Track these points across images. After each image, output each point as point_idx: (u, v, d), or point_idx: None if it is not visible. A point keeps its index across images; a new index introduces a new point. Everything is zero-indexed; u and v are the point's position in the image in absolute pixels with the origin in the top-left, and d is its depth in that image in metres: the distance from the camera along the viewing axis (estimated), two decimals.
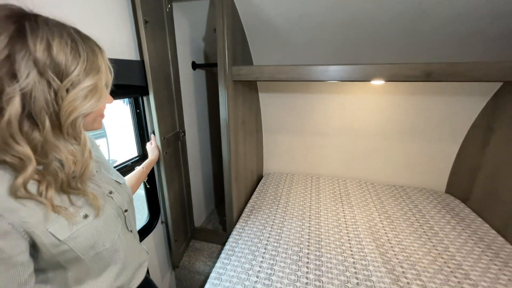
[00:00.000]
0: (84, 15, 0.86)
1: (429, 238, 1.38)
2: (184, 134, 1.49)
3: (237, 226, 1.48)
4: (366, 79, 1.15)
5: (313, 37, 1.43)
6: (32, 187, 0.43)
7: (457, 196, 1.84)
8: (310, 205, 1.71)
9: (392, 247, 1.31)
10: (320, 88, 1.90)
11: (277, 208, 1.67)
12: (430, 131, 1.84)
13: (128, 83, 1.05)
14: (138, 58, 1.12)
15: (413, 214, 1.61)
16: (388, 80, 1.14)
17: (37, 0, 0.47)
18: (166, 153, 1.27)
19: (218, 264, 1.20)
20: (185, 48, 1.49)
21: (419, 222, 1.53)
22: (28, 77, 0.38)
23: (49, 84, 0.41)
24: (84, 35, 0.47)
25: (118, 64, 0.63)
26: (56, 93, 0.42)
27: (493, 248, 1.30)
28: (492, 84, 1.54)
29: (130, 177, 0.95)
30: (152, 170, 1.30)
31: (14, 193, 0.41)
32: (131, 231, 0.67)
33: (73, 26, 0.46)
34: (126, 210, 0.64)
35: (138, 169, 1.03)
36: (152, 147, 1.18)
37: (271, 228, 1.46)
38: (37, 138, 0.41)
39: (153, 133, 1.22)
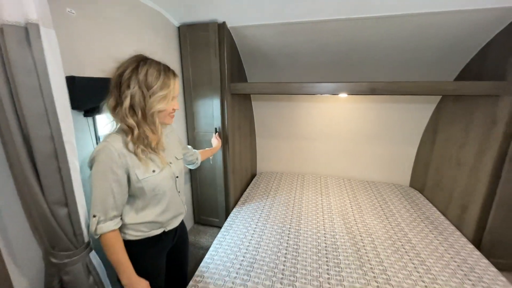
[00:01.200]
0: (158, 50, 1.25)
1: (386, 218, 1.74)
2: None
3: (234, 210, 1.82)
4: (333, 93, 1.54)
5: (293, 61, 1.84)
6: (132, 147, 0.81)
7: (417, 188, 2.21)
8: (295, 197, 2.06)
9: (356, 223, 1.67)
10: (302, 98, 2.30)
11: (267, 198, 2.01)
12: (393, 135, 2.23)
13: None
14: None
15: (378, 202, 1.97)
16: (348, 94, 1.54)
17: (127, 46, 0.84)
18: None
19: (218, 235, 1.53)
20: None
21: (381, 207, 1.89)
22: (134, 88, 0.77)
23: (142, 92, 0.79)
24: (167, 67, 0.84)
25: None
26: (145, 97, 0.79)
27: (435, 224, 1.66)
28: (435, 96, 1.96)
29: (200, 152, 1.41)
30: None
31: (125, 146, 0.79)
32: (179, 192, 1.01)
33: (164, 63, 0.85)
34: (177, 177, 0.98)
35: (204, 150, 1.50)
36: (215, 139, 1.64)
37: (262, 211, 1.80)
38: (136, 119, 0.80)
39: (216, 129, 1.68)
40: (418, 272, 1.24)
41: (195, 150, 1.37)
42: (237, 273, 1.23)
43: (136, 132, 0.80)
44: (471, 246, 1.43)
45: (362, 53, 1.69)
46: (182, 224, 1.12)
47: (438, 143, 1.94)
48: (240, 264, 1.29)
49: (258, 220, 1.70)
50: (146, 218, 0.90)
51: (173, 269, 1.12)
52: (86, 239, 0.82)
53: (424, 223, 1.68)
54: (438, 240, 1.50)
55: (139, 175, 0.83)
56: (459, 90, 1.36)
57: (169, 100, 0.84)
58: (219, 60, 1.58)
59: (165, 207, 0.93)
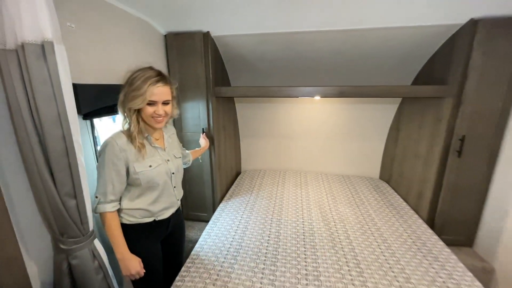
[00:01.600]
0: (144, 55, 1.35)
1: (357, 206, 1.96)
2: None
3: (221, 204, 1.96)
4: (309, 96, 1.73)
5: (272, 66, 2.01)
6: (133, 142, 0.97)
7: (385, 179, 2.48)
8: (277, 191, 2.24)
9: (331, 212, 1.87)
10: (282, 100, 2.48)
11: (251, 193, 2.17)
12: (363, 133, 2.47)
13: None
14: None
15: (351, 193, 2.20)
16: (321, 96, 1.73)
17: (118, 54, 0.96)
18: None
19: (207, 227, 1.66)
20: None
21: (353, 197, 2.11)
22: (124, 87, 0.96)
23: (126, 91, 0.94)
24: (152, 75, 0.95)
25: None
26: (127, 95, 0.94)
27: (397, 209, 1.90)
28: (397, 98, 2.22)
29: (190, 152, 1.52)
30: None
31: (128, 142, 0.96)
32: (174, 187, 1.14)
33: (158, 73, 0.98)
34: (173, 173, 1.12)
35: (194, 150, 1.62)
36: (203, 139, 1.76)
37: (246, 205, 1.96)
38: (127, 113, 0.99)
39: (203, 130, 1.81)
40: (380, 248, 1.45)
41: (188, 151, 1.51)
42: (224, 258, 1.38)
43: (125, 130, 0.99)
44: (425, 225, 1.68)
45: (333, 61, 1.90)
46: (178, 216, 1.26)
47: (400, 139, 2.21)
48: (228, 250, 1.43)
49: (243, 212, 1.85)
50: (138, 206, 1.03)
51: (170, 257, 1.24)
52: (91, 227, 0.92)
53: (388, 209, 1.91)
54: (399, 222, 1.73)
55: (136, 168, 0.98)
56: (411, 93, 1.60)
57: (140, 100, 0.94)
58: (204, 66, 1.72)
59: (156, 198, 1.07)
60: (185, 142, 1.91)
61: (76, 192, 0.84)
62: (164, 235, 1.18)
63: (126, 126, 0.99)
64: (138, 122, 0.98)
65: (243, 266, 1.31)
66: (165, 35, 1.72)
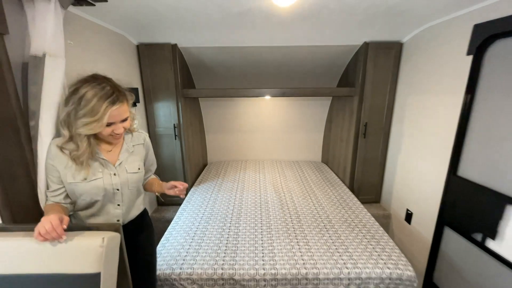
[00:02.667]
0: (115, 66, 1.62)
1: (302, 182, 2.51)
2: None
3: (191, 189, 2.32)
4: (259, 95, 2.21)
5: (230, 71, 2.45)
6: (67, 152, 0.89)
7: (325, 162, 3.11)
8: (239, 176, 2.68)
9: (281, 186, 2.38)
10: (240, 99, 2.93)
11: (217, 179, 2.57)
12: (308, 125, 3.07)
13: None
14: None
15: (298, 174, 2.75)
16: (269, 96, 2.23)
17: (101, 63, 1.27)
18: None
19: (180, 209, 2.01)
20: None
21: (300, 177, 2.66)
22: (71, 106, 0.84)
23: (74, 112, 0.83)
24: (108, 94, 0.83)
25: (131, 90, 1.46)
26: (75, 117, 0.83)
27: (331, 182, 2.50)
28: (329, 97, 2.85)
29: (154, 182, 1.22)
30: None
31: (60, 150, 0.89)
32: (118, 204, 0.98)
33: (113, 87, 0.86)
34: (118, 189, 0.97)
35: (159, 182, 1.23)
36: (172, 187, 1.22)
37: (213, 188, 2.35)
38: (68, 133, 0.87)
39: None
40: (317, 209, 1.99)
41: (154, 177, 1.26)
42: (199, 223, 1.76)
43: (68, 142, 0.89)
44: (348, 190, 2.30)
45: (277, 68, 2.42)
46: (137, 227, 1.10)
47: (333, 128, 2.85)
48: (199, 223, 1.81)
49: (211, 194, 2.24)
50: (78, 215, 0.98)
51: (139, 268, 1.10)
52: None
53: (325, 182, 2.51)
54: (331, 190, 2.32)
55: (67, 179, 0.89)
56: (333, 93, 2.19)
57: (96, 126, 0.84)
58: (173, 72, 2.07)
59: (95, 213, 0.98)
60: (157, 136, 2.22)
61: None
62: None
63: (65, 143, 0.89)
64: (90, 145, 0.90)
65: (213, 227, 1.72)
66: (137, 46, 2.02)
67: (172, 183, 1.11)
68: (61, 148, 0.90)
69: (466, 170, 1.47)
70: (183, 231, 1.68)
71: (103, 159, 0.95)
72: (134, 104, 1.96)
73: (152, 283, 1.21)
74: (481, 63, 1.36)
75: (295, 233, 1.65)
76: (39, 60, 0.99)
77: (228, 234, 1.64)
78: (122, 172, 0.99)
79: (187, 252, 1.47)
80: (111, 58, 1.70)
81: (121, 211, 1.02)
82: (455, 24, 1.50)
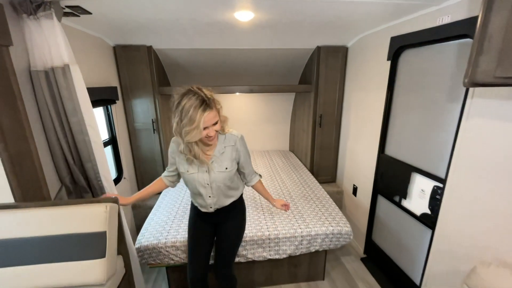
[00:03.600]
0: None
1: (271, 168, 2.86)
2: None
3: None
4: (231, 92, 2.49)
5: (203, 70, 2.69)
6: (181, 150, 1.17)
7: (292, 150, 3.51)
8: None
9: None
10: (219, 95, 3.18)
11: None
12: (276, 117, 3.42)
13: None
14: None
15: (268, 162, 3.10)
16: (239, 92, 2.52)
17: (82, 64, 1.48)
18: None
19: (160, 196, 2.25)
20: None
21: (269, 164, 3.02)
22: (177, 118, 1.06)
23: (180, 123, 1.05)
24: (200, 102, 1.01)
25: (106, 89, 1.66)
26: (181, 128, 1.05)
27: (295, 166, 2.88)
28: (292, 92, 3.22)
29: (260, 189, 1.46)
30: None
31: (177, 148, 1.19)
32: (209, 196, 1.23)
33: (203, 96, 1.04)
34: (208, 184, 1.21)
35: (268, 194, 1.50)
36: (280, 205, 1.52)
37: None
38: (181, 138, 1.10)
39: None
40: (281, 188, 2.35)
41: (257, 179, 1.42)
42: (177, 209, 2.03)
43: (184, 145, 1.13)
44: (309, 173, 2.69)
45: (245, 67, 2.71)
46: (224, 214, 1.34)
47: (297, 120, 3.23)
48: (180, 204, 2.08)
49: None
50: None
51: (217, 242, 1.43)
52: (105, 186, 1.41)
53: (290, 167, 2.88)
54: (295, 173, 2.70)
55: (179, 168, 1.24)
56: (294, 89, 2.55)
57: (196, 132, 1.02)
58: (150, 71, 2.26)
59: (198, 197, 1.29)
60: (137, 131, 2.41)
61: (90, 158, 1.36)
62: (213, 223, 1.38)
63: (181, 146, 1.14)
64: (197, 145, 1.13)
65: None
66: (114, 47, 2.18)
67: (284, 202, 1.50)
68: (177, 147, 1.19)
69: (389, 149, 1.92)
70: (166, 211, 1.94)
71: (200, 158, 1.15)
72: (114, 102, 2.14)
73: (229, 256, 1.44)
74: (396, 67, 1.79)
75: (262, 207, 1.99)
76: (64, 69, 1.22)
77: None
78: (212, 171, 1.20)
79: (170, 227, 1.74)
80: (90, 59, 1.86)
81: (212, 201, 1.27)
82: (380, 35, 1.92)
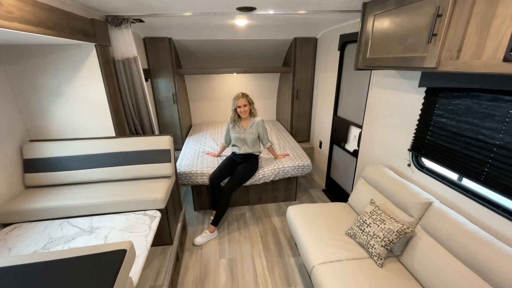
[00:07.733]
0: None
1: None
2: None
3: (187, 138, 3.44)
4: (230, 72, 3.32)
5: (208, 56, 3.49)
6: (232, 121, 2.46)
7: (278, 120, 4.41)
8: (218, 131, 3.84)
9: None
10: (216, 75, 3.99)
11: (202, 133, 3.71)
12: (265, 94, 4.27)
13: None
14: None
15: None
16: (236, 73, 3.35)
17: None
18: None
19: (182, 150, 3.15)
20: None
21: None
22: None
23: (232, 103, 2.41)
24: (239, 95, 2.34)
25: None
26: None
27: (281, 131, 3.80)
28: (278, 73, 4.06)
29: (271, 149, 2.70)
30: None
31: (231, 121, 2.48)
32: (244, 145, 2.43)
33: (243, 93, 2.38)
34: (243, 139, 2.41)
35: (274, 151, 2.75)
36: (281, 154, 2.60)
37: (201, 139, 3.49)
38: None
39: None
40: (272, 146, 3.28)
41: (269, 144, 2.58)
42: (198, 154, 2.94)
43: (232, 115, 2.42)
44: (290, 135, 3.61)
45: (241, 53, 3.51)
46: (245, 159, 2.46)
47: (281, 95, 4.10)
48: (198, 153, 2.98)
49: (201, 138, 3.39)
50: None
51: (232, 174, 2.43)
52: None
53: (276, 132, 3.79)
54: (280, 136, 3.62)
55: (230, 132, 2.47)
56: (278, 70, 3.40)
57: (234, 106, 2.34)
58: (170, 57, 3.05)
59: (234, 147, 2.48)
60: (161, 103, 3.24)
61: (149, 114, 2.22)
62: (239, 162, 2.49)
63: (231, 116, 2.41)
64: (236, 113, 2.37)
65: (208, 156, 2.92)
66: (144, 39, 2.94)
67: (285, 154, 2.78)
68: (230, 122, 2.44)
69: (339, 111, 2.84)
70: (190, 156, 2.85)
71: (240, 126, 2.41)
72: (146, 80, 2.95)
73: (234, 184, 2.37)
74: (343, 56, 2.66)
75: (263, 164, 2.92)
76: (135, 59, 2.05)
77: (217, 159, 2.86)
78: (245, 133, 2.40)
79: (197, 163, 2.66)
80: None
81: (244, 151, 2.45)
82: (334, 32, 2.76)
